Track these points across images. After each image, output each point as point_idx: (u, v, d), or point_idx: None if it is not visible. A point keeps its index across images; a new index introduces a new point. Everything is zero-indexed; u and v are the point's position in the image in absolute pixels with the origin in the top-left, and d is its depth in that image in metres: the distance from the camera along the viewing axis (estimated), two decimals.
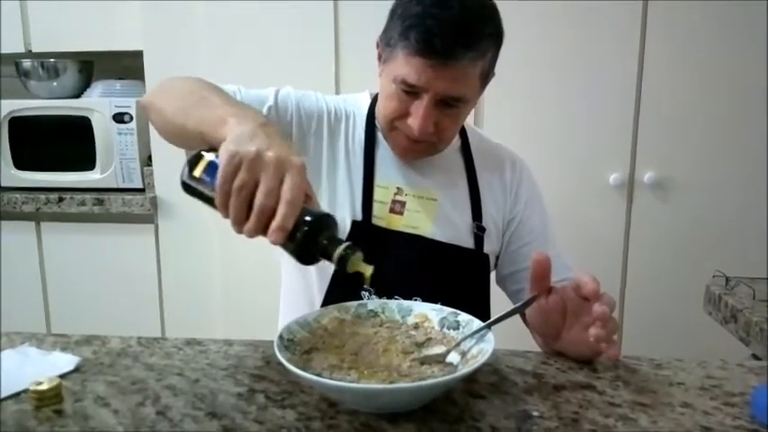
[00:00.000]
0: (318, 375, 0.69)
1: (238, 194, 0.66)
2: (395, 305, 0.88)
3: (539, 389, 0.75)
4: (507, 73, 1.81)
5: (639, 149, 1.79)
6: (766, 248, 1.72)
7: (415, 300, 1.00)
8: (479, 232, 1.05)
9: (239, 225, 0.68)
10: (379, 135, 1.06)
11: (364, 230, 1.01)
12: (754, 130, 1.74)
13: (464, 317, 0.82)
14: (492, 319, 0.79)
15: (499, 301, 1.12)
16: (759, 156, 1.74)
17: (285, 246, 0.68)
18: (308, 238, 0.67)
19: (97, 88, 2.16)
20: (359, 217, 1.02)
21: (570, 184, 1.78)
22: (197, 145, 0.77)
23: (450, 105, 0.95)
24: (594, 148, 1.78)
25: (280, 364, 0.69)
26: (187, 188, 0.76)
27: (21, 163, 2.09)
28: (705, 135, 1.76)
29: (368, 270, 0.71)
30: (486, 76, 0.97)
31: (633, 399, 0.73)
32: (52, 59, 2.14)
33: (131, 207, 1.99)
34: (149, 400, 0.74)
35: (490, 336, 0.75)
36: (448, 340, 0.80)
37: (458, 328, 0.81)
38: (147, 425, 0.68)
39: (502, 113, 1.80)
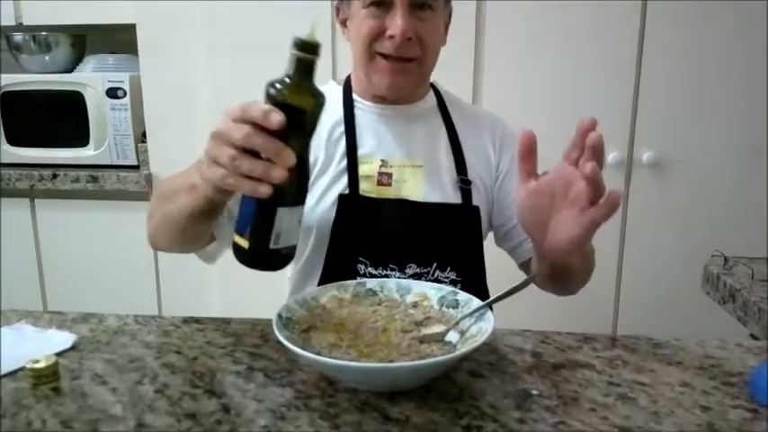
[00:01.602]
0: (317, 354, 0.69)
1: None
2: (393, 284, 0.87)
3: (538, 368, 0.75)
4: (506, 51, 1.81)
5: (638, 129, 1.78)
6: (766, 228, 1.72)
7: (410, 266, 1.00)
8: (465, 185, 1.05)
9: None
10: (359, 112, 1.07)
11: (352, 202, 1.01)
12: (753, 110, 1.73)
13: (463, 296, 0.82)
14: (491, 299, 0.78)
15: (494, 257, 1.12)
16: (758, 135, 1.73)
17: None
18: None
19: (90, 63, 2.12)
20: (346, 191, 1.02)
21: None
22: (197, 226, 0.88)
23: (423, 14, 0.98)
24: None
25: (278, 342, 0.69)
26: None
27: (14, 139, 2.06)
28: (703, 114, 1.75)
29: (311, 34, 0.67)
30: None
31: (632, 378, 0.73)
32: (44, 33, 2.10)
33: (126, 184, 1.97)
34: (147, 378, 0.73)
35: (490, 315, 0.75)
36: (447, 319, 0.80)
37: (457, 307, 0.81)
38: (146, 403, 0.68)
39: (499, 92, 1.78)
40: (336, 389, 0.70)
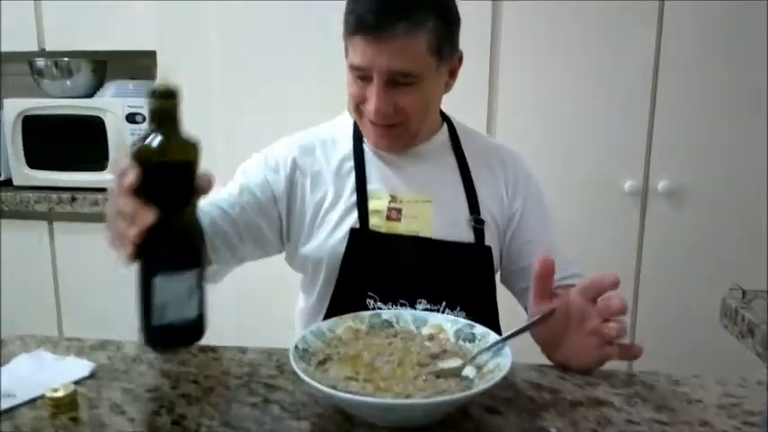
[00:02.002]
0: (334, 388, 0.68)
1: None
2: (409, 315, 0.87)
3: (555, 405, 0.74)
4: (519, 79, 1.82)
5: (654, 157, 1.77)
6: None
7: (420, 302, 1.00)
8: (478, 225, 1.04)
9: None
10: (367, 147, 1.07)
11: (362, 237, 1.01)
12: None
13: (480, 329, 0.82)
14: (508, 334, 0.78)
15: (507, 296, 1.11)
16: None
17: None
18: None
19: (110, 88, 2.16)
20: (357, 225, 1.02)
21: (584, 191, 1.77)
22: None
23: (403, 83, 0.95)
24: (609, 155, 1.76)
25: (294, 373, 0.69)
26: None
27: (33, 162, 2.10)
28: (720, 143, 1.74)
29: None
30: (440, 50, 0.96)
31: (651, 416, 0.72)
32: (66, 59, 2.15)
33: None
34: (164, 408, 0.74)
35: (507, 350, 0.74)
36: (463, 353, 0.80)
37: (473, 341, 0.81)
38: None
39: (515, 119, 1.79)
40: (353, 423, 0.69)
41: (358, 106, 1.00)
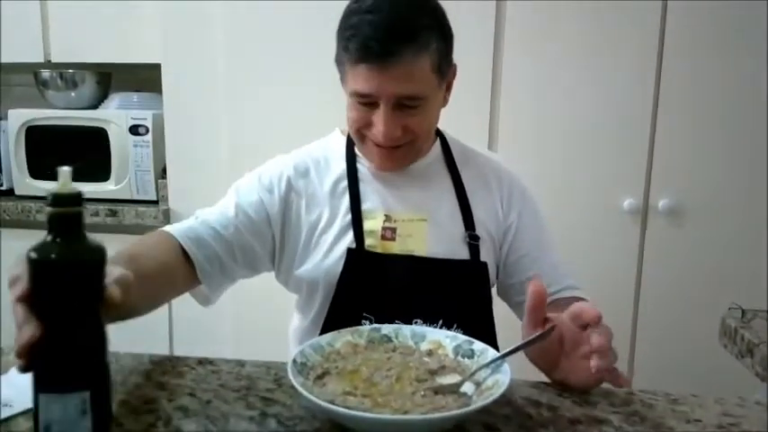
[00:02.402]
0: (332, 402, 0.68)
1: None
2: (408, 330, 0.87)
3: (554, 422, 0.74)
4: (519, 93, 1.83)
5: (654, 175, 1.78)
6: None
7: (416, 321, 0.99)
8: (473, 241, 1.04)
9: None
10: (361, 167, 1.07)
11: (359, 257, 1.01)
12: None
13: (479, 345, 0.81)
14: (507, 350, 0.78)
15: (504, 310, 1.11)
16: None
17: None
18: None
19: (114, 100, 2.17)
20: (353, 245, 1.02)
21: (583, 209, 1.78)
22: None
23: (410, 106, 0.95)
24: (609, 174, 1.77)
25: (292, 387, 0.69)
26: None
27: (36, 172, 2.11)
28: (721, 162, 1.75)
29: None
30: (441, 68, 0.96)
31: None
32: (71, 70, 2.17)
33: (144, 219, 2.00)
34: (161, 421, 0.73)
35: (506, 367, 0.74)
36: (462, 369, 0.79)
37: (472, 357, 0.81)
38: None
39: (515, 134, 1.80)
40: None
41: (360, 130, 1.00)
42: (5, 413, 0.73)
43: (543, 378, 0.86)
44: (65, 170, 0.59)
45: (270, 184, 1.06)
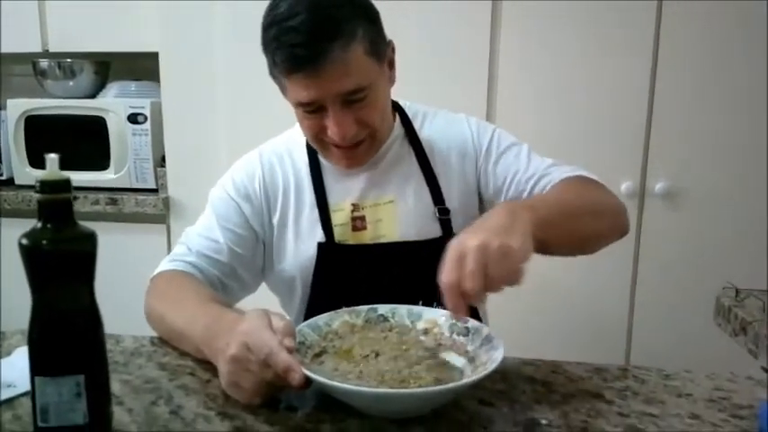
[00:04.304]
0: (329, 379, 0.70)
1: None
2: (405, 310, 0.88)
3: (547, 397, 0.76)
4: (516, 80, 1.83)
5: (651, 158, 1.79)
6: None
7: None
8: (443, 216, 1.03)
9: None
10: (322, 159, 1.04)
11: (330, 251, 1.01)
12: None
13: (473, 323, 0.83)
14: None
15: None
16: None
17: None
18: None
19: (112, 89, 2.17)
20: (323, 240, 1.02)
21: None
22: None
23: (358, 99, 0.91)
24: (606, 157, 1.77)
25: None
26: None
27: (36, 161, 2.12)
28: (718, 145, 1.75)
29: None
30: (376, 51, 0.92)
31: (642, 409, 0.73)
32: (69, 59, 2.17)
33: (144, 207, 2.01)
34: (162, 399, 0.75)
35: (500, 343, 0.75)
36: (458, 346, 0.81)
37: (467, 335, 0.82)
38: (160, 423, 0.69)
39: (511, 120, 1.80)
40: (347, 413, 0.71)
41: (316, 137, 0.97)
42: (8, 394, 0.74)
43: (539, 356, 0.87)
44: (52, 157, 0.60)
45: (245, 191, 1.05)
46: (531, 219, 0.77)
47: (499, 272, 0.70)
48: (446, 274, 0.72)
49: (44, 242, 0.60)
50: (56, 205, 0.60)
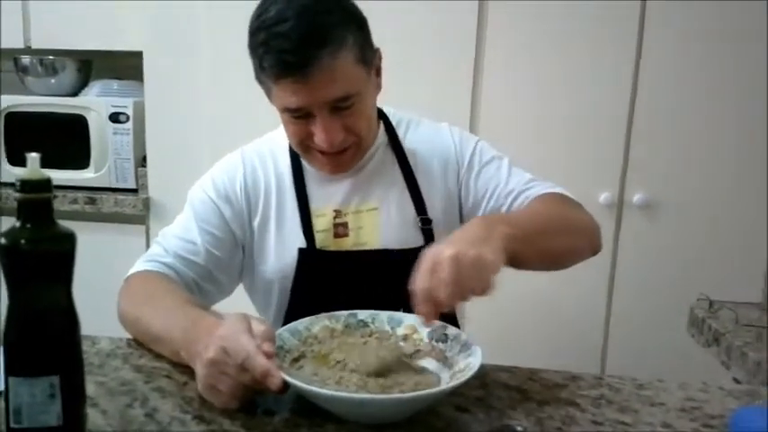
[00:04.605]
0: (307, 384, 0.70)
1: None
2: (385, 316, 0.89)
3: (523, 404, 0.76)
4: (496, 88, 1.85)
5: (629, 170, 1.81)
6: (766, 273, 1.73)
7: None
8: (426, 225, 1.03)
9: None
10: (305, 163, 1.04)
11: (310, 257, 1.01)
12: (747, 154, 1.75)
13: (452, 330, 0.83)
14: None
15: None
16: (750, 179, 1.76)
17: None
18: None
19: (95, 87, 2.15)
20: (303, 245, 1.01)
21: None
22: None
23: (345, 106, 0.91)
24: (585, 168, 1.80)
25: None
26: None
27: (15, 159, 2.08)
28: (696, 157, 1.78)
29: None
30: (364, 58, 0.92)
31: (615, 417, 0.74)
32: (51, 57, 2.14)
33: (123, 207, 1.99)
34: (138, 401, 0.74)
35: (478, 350, 0.76)
36: (436, 353, 0.81)
37: (446, 341, 0.82)
38: (135, 427, 0.69)
39: (493, 129, 1.81)
40: (324, 418, 0.70)
41: (302, 143, 0.96)
42: None
43: (516, 363, 0.88)
44: (33, 156, 0.59)
45: (226, 193, 1.03)
46: (505, 233, 0.78)
47: (471, 282, 0.71)
48: (419, 282, 0.73)
49: (23, 241, 0.59)
50: (36, 205, 0.60)
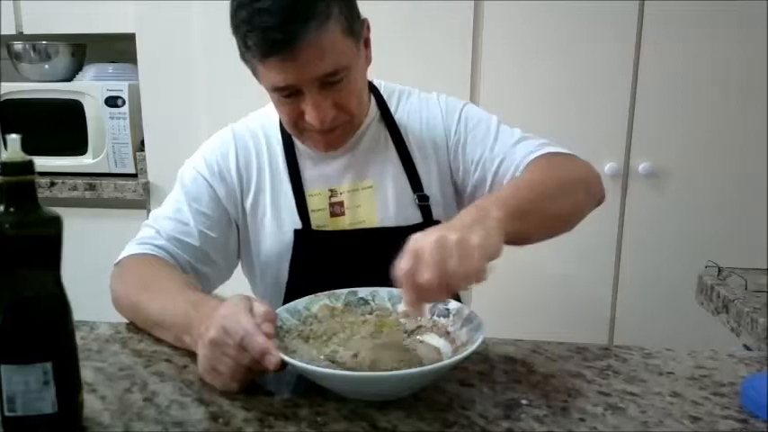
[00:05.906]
0: (307, 363, 0.69)
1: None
2: (385, 293, 0.87)
3: (528, 377, 0.75)
4: (500, 60, 1.81)
5: (635, 139, 1.78)
6: (765, 238, 1.71)
7: None
8: (422, 202, 1.01)
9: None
10: (298, 142, 1.01)
11: (306, 238, 0.99)
12: (751, 121, 1.73)
13: (454, 305, 0.82)
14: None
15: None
16: (755, 146, 1.74)
17: None
18: None
19: (89, 72, 2.13)
20: (299, 226, 0.99)
21: None
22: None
23: (335, 81, 0.88)
24: (589, 138, 1.77)
25: None
26: None
27: None
28: (701, 125, 1.75)
29: None
30: (352, 30, 0.88)
31: (623, 388, 0.72)
32: (44, 42, 2.11)
33: (123, 192, 1.98)
34: (137, 386, 0.73)
35: (481, 324, 0.75)
36: (438, 328, 0.80)
37: (448, 316, 0.81)
38: (134, 411, 0.68)
39: (496, 101, 1.79)
40: (325, 397, 0.69)
41: (295, 122, 0.93)
42: None
43: (520, 336, 0.87)
44: (14, 137, 0.58)
45: (219, 170, 1.01)
46: (501, 214, 0.74)
47: (456, 267, 0.67)
48: (401, 265, 0.69)
49: (7, 226, 0.58)
50: (19, 188, 0.58)
